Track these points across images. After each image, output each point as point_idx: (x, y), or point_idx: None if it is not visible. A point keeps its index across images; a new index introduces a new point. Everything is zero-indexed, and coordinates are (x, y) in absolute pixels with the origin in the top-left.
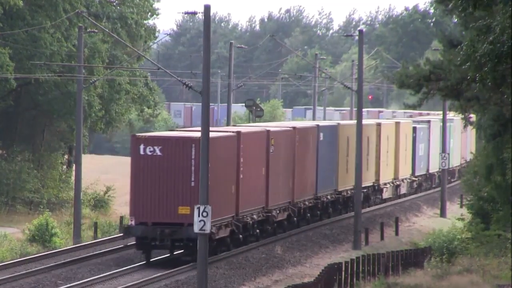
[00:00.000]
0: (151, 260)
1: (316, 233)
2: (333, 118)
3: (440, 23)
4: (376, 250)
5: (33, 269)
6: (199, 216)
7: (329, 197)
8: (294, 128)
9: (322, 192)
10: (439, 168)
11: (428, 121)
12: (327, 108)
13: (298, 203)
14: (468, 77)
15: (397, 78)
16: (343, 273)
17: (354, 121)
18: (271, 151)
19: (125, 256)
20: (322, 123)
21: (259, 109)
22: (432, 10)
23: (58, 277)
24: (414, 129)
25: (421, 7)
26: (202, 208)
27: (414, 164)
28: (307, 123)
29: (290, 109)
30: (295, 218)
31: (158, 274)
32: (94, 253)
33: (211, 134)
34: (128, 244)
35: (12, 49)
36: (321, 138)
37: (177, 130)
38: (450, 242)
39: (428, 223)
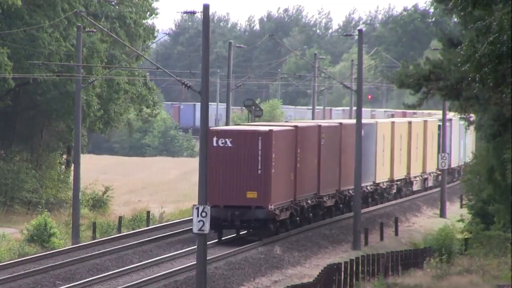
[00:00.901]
0: (222, 238)
1: (316, 234)
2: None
3: (440, 22)
4: (375, 251)
5: (32, 270)
6: (198, 216)
7: (369, 188)
8: (340, 124)
9: (363, 183)
10: (458, 164)
11: (450, 120)
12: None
13: (344, 192)
14: (470, 78)
15: (396, 77)
16: (342, 273)
17: (389, 120)
18: (322, 143)
19: (125, 257)
20: (363, 121)
21: (258, 109)
22: (432, 10)
23: (57, 277)
24: (439, 127)
25: (421, 6)
26: (201, 209)
27: (439, 159)
28: (349, 120)
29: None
30: (341, 205)
31: (157, 275)
32: (93, 253)
33: (275, 128)
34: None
35: (11, 48)
36: (363, 134)
37: (245, 125)
38: (449, 243)
39: (427, 224)
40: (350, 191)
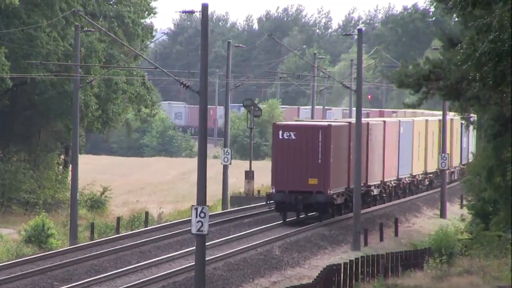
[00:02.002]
0: (286, 220)
1: (315, 234)
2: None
3: (440, 22)
4: (375, 251)
5: (29, 271)
6: (197, 216)
7: (407, 179)
8: (384, 122)
9: (402, 175)
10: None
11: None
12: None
13: (387, 182)
14: (470, 77)
15: (396, 77)
16: (342, 274)
17: (424, 118)
18: (370, 139)
19: (123, 257)
20: (402, 119)
21: (257, 109)
22: (432, 9)
23: (55, 278)
24: (461, 125)
25: (420, 6)
26: (199, 209)
27: (461, 154)
28: (392, 119)
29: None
30: (384, 195)
31: (156, 276)
32: (91, 254)
33: (333, 123)
34: (270, 208)
35: (8, 48)
36: (401, 131)
37: (306, 120)
38: (448, 244)
39: (428, 224)
40: (392, 182)
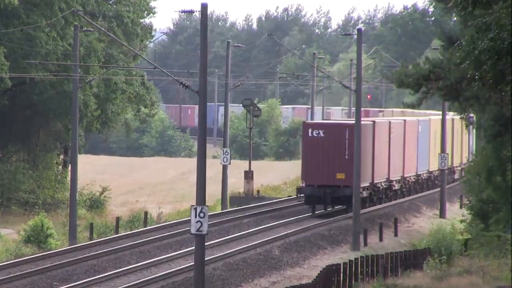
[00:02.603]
0: (315, 212)
1: (314, 234)
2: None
3: (439, 21)
4: (375, 251)
5: (28, 271)
6: (196, 217)
7: (425, 175)
8: (404, 121)
9: (420, 171)
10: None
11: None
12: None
13: (407, 178)
14: (468, 75)
15: (396, 77)
16: (341, 274)
17: (440, 117)
18: (391, 137)
19: (122, 258)
20: (420, 118)
21: (256, 109)
22: (431, 9)
23: (54, 278)
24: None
25: (420, 5)
26: (199, 209)
27: (469, 153)
28: (411, 118)
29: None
30: (404, 189)
31: (155, 276)
32: (90, 254)
33: (350, 122)
34: (299, 201)
35: (7, 48)
36: (420, 130)
37: (333, 119)
38: (446, 244)
39: (427, 224)
40: (412, 178)
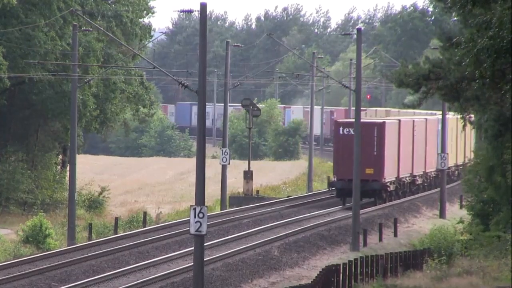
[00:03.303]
0: (346, 204)
1: (314, 234)
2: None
3: (439, 21)
4: (374, 252)
5: (27, 271)
6: (195, 217)
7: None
8: (426, 119)
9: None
10: None
11: None
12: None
13: (428, 173)
14: (466, 72)
15: (395, 77)
16: (341, 275)
17: (456, 116)
18: (414, 134)
19: (121, 258)
20: (439, 117)
21: (256, 109)
22: (431, 9)
23: (52, 279)
24: None
25: (420, 5)
26: (198, 209)
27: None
28: (432, 116)
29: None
30: (425, 184)
31: (154, 276)
32: (89, 254)
33: (386, 121)
34: (331, 194)
35: (6, 47)
36: (439, 128)
37: (364, 118)
38: (449, 244)
39: (427, 225)
40: (433, 173)
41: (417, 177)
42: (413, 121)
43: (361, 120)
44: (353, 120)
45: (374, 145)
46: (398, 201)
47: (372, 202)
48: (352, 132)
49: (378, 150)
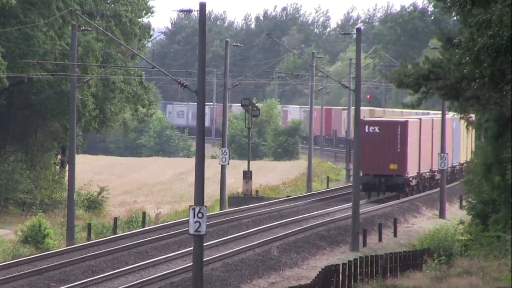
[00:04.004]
0: (371, 198)
1: (313, 234)
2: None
3: (439, 21)
4: (374, 252)
5: (26, 271)
6: (194, 217)
7: (457, 167)
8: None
9: (455, 163)
10: None
11: None
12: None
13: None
14: (465, 71)
15: (395, 77)
16: (340, 275)
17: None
18: (433, 132)
19: (120, 258)
20: (454, 116)
21: (255, 109)
22: (430, 8)
23: (51, 279)
24: None
25: (419, 5)
26: (197, 209)
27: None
28: (448, 116)
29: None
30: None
31: (153, 276)
32: (88, 254)
33: (409, 119)
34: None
35: (5, 47)
36: (454, 126)
37: (386, 117)
38: (449, 244)
39: (427, 225)
40: (449, 169)
41: (436, 173)
42: (432, 120)
43: (385, 119)
44: (378, 119)
45: (397, 142)
46: (398, 201)
47: (395, 196)
48: (377, 130)
49: (401, 147)
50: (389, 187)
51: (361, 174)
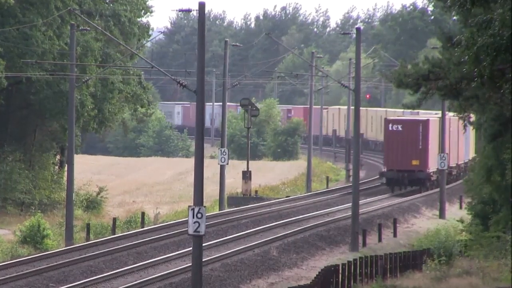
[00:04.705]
0: (393, 192)
1: (313, 235)
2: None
3: (439, 20)
4: (374, 252)
5: (25, 271)
6: (193, 217)
7: (469, 163)
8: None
9: (466, 160)
10: None
11: None
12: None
13: (460, 165)
14: (464, 70)
15: (395, 77)
16: (340, 275)
17: None
18: (450, 131)
19: (119, 258)
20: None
21: (254, 108)
22: (430, 8)
23: (50, 279)
24: None
25: (419, 4)
26: (196, 210)
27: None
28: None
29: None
30: (460, 173)
31: (153, 277)
32: (87, 255)
33: (430, 118)
34: (382, 182)
35: (3, 47)
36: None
37: (409, 116)
38: (449, 244)
39: (427, 225)
40: (463, 165)
41: (453, 168)
42: (450, 118)
43: (408, 118)
44: (401, 118)
45: (419, 139)
46: (397, 201)
47: (417, 190)
48: (400, 128)
49: (423, 144)
50: (412, 182)
51: (385, 170)
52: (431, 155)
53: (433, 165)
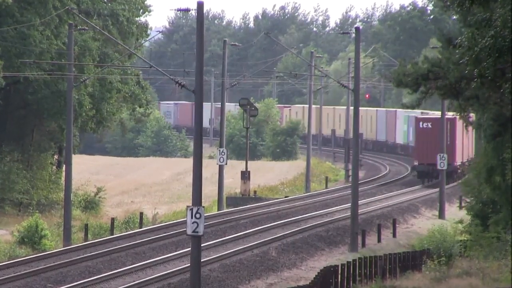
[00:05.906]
0: (424, 183)
1: (312, 235)
2: None
3: (438, 20)
4: (373, 253)
5: (22, 272)
6: (192, 217)
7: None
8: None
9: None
10: None
11: None
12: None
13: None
14: (466, 71)
15: (394, 76)
16: (339, 276)
17: None
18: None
19: (117, 259)
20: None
21: (253, 108)
22: (430, 7)
23: (48, 280)
24: None
25: (419, 3)
26: (195, 210)
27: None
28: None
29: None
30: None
31: (151, 277)
32: (85, 255)
33: (457, 117)
34: (413, 175)
35: (1, 47)
36: None
37: (438, 115)
38: (448, 245)
39: (426, 225)
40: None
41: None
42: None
43: (436, 116)
44: (430, 116)
45: (447, 135)
46: (397, 201)
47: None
48: (429, 125)
49: (451, 140)
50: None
51: (416, 164)
52: (458, 150)
53: (459, 159)
